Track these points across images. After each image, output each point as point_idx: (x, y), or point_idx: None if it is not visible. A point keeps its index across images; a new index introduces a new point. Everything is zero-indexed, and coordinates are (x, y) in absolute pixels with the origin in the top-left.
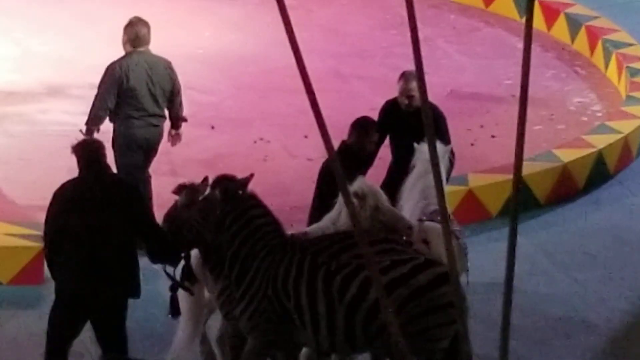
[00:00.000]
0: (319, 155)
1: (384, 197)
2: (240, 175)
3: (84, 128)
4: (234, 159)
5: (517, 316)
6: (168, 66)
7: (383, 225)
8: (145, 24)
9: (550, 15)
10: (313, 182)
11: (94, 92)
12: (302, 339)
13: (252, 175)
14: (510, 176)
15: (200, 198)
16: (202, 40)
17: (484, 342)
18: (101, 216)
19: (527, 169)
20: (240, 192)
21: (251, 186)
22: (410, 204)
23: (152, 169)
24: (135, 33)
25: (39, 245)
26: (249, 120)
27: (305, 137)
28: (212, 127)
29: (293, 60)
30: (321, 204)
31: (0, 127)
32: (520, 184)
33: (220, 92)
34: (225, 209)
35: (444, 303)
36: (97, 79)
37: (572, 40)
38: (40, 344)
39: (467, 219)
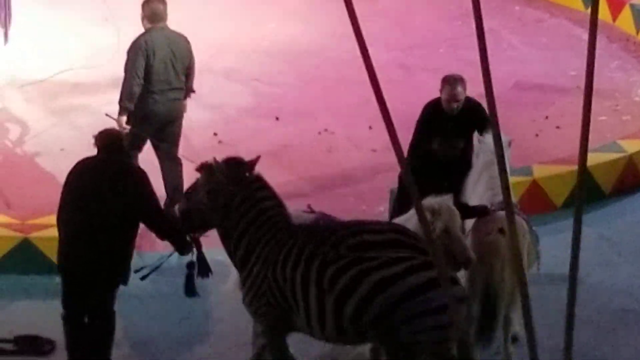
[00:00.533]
0: (383, 146)
1: (457, 223)
2: (305, 167)
3: (112, 112)
4: (299, 150)
5: (582, 307)
6: (186, 41)
7: (444, 248)
8: (162, 0)
9: (616, 7)
10: (377, 172)
11: None
12: (299, 325)
13: (258, 157)
14: (575, 167)
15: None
16: (267, 31)
17: (550, 332)
18: (99, 200)
19: (592, 160)
20: (247, 174)
21: (315, 177)
22: (477, 195)
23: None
24: (152, 10)
25: None
26: (313, 111)
27: (370, 128)
28: (277, 119)
29: (357, 52)
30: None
31: (66, 119)
32: (584, 175)
33: (285, 84)
34: (232, 192)
35: (433, 307)
36: None
37: (638, 31)
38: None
39: (531, 210)
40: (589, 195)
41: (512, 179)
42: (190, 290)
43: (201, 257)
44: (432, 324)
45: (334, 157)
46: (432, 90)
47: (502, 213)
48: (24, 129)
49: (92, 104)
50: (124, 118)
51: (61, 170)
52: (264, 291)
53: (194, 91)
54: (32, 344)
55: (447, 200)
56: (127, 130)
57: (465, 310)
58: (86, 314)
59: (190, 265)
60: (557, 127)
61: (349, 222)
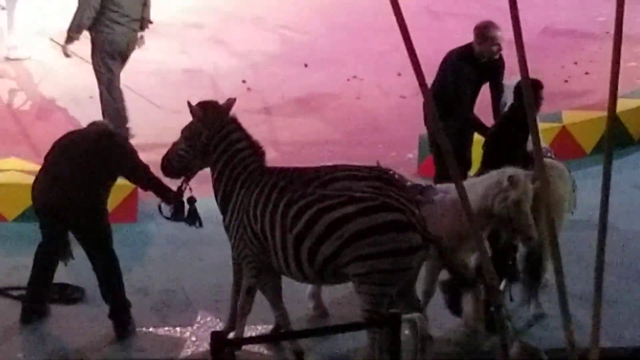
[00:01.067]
0: (412, 92)
1: (529, 198)
2: (334, 114)
3: (57, 38)
4: (328, 97)
5: (612, 253)
6: None
7: (505, 221)
8: None
9: None
10: (406, 119)
11: (187, 30)
12: (276, 267)
13: (233, 99)
14: (604, 113)
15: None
16: None
17: (579, 279)
18: (80, 159)
19: (621, 105)
20: (222, 117)
21: (343, 124)
22: None
23: (246, 107)
24: None
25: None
26: (342, 58)
27: (399, 74)
28: (306, 66)
29: None
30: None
31: (84, 78)
32: (614, 121)
33: (314, 31)
34: (208, 135)
35: (381, 251)
36: (192, 18)
37: None
38: (128, 280)
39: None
40: (618, 142)
41: (541, 126)
42: (198, 221)
43: (191, 207)
44: (379, 268)
45: (362, 104)
46: (461, 37)
47: (547, 160)
48: (53, 77)
49: None
50: (70, 46)
51: (89, 117)
52: (241, 234)
53: (151, 22)
54: (61, 291)
55: (527, 174)
56: (71, 57)
57: (420, 258)
58: (90, 258)
59: (191, 200)
60: (586, 73)
61: (330, 166)
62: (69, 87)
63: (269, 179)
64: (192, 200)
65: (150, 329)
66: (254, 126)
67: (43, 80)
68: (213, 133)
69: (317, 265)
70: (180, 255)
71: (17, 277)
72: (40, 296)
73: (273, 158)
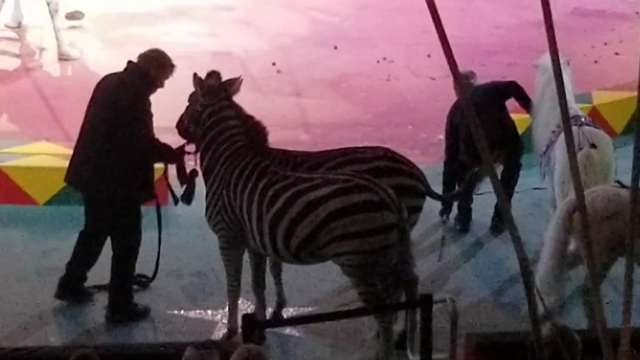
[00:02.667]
0: (443, 74)
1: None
2: (363, 95)
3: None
4: (358, 79)
5: None
6: None
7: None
8: None
9: None
10: (436, 100)
11: (217, 13)
12: (251, 244)
13: (238, 77)
14: (635, 93)
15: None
16: None
17: None
18: (97, 110)
19: None
20: (219, 91)
21: (373, 105)
22: (544, 112)
23: (276, 89)
24: None
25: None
26: (371, 40)
27: (429, 56)
28: (335, 47)
29: None
30: None
31: (124, 49)
32: None
33: (343, 12)
34: (202, 103)
35: (354, 231)
36: (222, 1)
37: None
38: (169, 263)
39: None
40: None
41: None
42: (189, 197)
43: (191, 180)
44: (353, 248)
45: (392, 86)
46: (491, 17)
47: (591, 129)
48: (81, 58)
49: (150, 34)
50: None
51: None
52: (219, 208)
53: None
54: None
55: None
56: None
57: (396, 236)
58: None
59: (192, 172)
60: (616, 54)
61: (323, 152)
62: (97, 68)
63: (252, 158)
64: (193, 174)
65: (182, 312)
66: (284, 109)
67: (76, 64)
68: (207, 103)
69: (293, 247)
70: (210, 238)
71: (48, 261)
72: (77, 277)
73: (303, 140)
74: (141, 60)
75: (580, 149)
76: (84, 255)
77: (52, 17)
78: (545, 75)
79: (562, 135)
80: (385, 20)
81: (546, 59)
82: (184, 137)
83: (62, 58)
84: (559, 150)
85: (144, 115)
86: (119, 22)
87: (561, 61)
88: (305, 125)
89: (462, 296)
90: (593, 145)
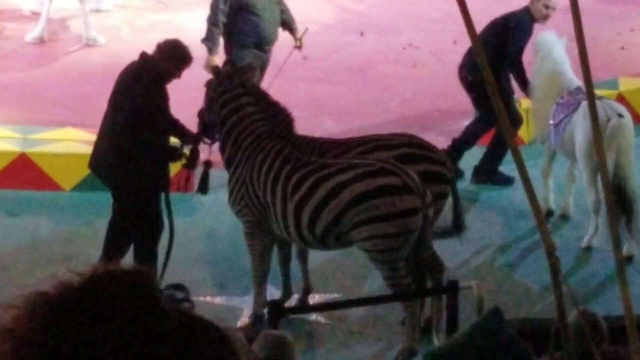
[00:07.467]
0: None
1: None
2: (389, 81)
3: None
4: (383, 65)
5: None
6: None
7: None
8: None
9: None
10: (461, 87)
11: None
12: (275, 230)
13: (251, 64)
14: None
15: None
16: None
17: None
18: (115, 99)
19: None
20: (233, 77)
21: (399, 92)
22: (543, 85)
23: (302, 75)
24: None
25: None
26: (397, 26)
27: (454, 42)
28: (361, 34)
29: None
30: None
31: (149, 36)
32: None
33: (369, 0)
34: (218, 90)
35: (378, 215)
36: None
37: None
38: (185, 251)
39: None
40: None
41: (597, 92)
42: (202, 187)
43: (205, 171)
44: (378, 232)
45: (418, 72)
46: (517, 4)
47: (609, 100)
48: (107, 45)
49: (175, 20)
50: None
51: None
52: (242, 194)
53: None
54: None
55: None
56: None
57: (420, 221)
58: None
59: (207, 163)
60: None
61: (344, 140)
62: (122, 55)
63: (276, 143)
64: (207, 165)
65: (208, 298)
66: (310, 95)
67: (95, 48)
68: (222, 90)
69: (318, 232)
70: (237, 224)
71: (74, 246)
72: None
73: (329, 127)
74: (156, 52)
75: (609, 119)
76: (114, 244)
77: (80, 1)
78: (542, 52)
79: (581, 109)
80: (411, 7)
81: (541, 37)
82: (203, 125)
83: (89, 43)
84: (581, 123)
85: (160, 104)
86: (145, 8)
87: (558, 37)
88: (331, 112)
89: (486, 282)
90: (620, 115)
